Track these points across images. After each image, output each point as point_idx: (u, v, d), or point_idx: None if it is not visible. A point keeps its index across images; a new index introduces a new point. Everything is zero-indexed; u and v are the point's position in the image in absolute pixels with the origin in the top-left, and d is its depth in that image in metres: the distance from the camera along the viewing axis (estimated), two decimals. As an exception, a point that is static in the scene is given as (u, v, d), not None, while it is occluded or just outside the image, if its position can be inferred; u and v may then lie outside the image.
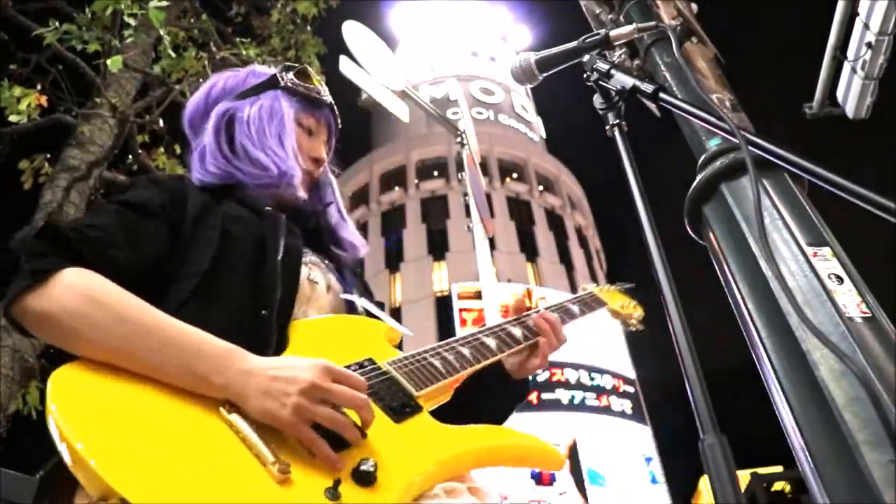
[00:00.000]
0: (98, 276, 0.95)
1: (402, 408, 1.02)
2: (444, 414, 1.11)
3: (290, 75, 1.39)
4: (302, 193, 1.32)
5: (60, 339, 0.91)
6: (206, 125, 1.33)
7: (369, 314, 1.27)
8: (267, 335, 1.05)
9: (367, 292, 1.37)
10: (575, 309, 1.52)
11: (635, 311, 1.77)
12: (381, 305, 1.33)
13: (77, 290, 0.92)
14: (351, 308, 1.26)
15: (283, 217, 1.23)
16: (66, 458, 0.76)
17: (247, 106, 1.33)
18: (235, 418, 0.87)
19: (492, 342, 1.25)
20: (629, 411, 24.89)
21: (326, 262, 1.33)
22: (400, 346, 1.23)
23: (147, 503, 0.72)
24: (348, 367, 1.01)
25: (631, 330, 1.79)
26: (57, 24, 4.46)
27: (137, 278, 1.03)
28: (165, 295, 1.06)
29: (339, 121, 1.47)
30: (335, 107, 1.45)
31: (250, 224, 1.18)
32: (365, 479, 0.86)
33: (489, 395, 1.31)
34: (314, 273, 1.25)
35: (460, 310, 24.07)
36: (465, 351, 1.19)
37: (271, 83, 1.37)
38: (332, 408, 0.90)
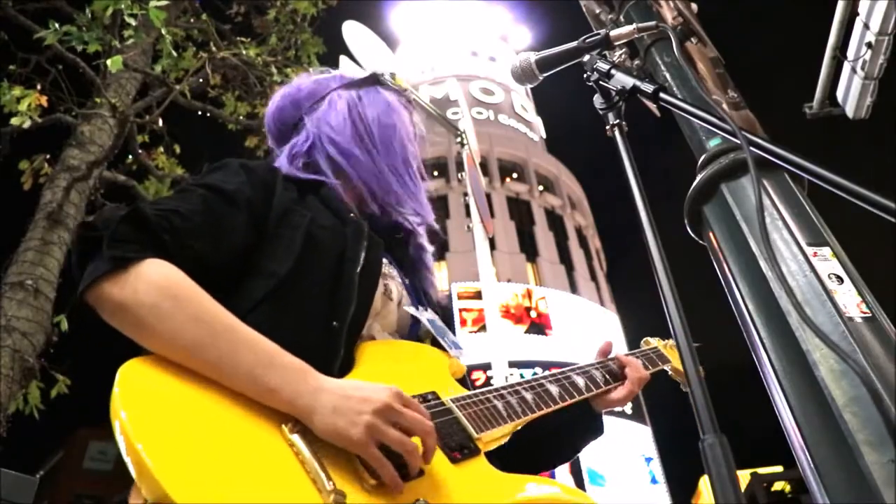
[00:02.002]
0: (178, 270, 0.93)
1: (461, 449, 1.00)
2: (513, 440, 1.10)
3: (386, 76, 1.46)
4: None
5: (133, 331, 0.89)
6: (301, 122, 1.35)
7: (434, 340, 1.24)
8: (335, 348, 1.03)
9: (437, 307, 1.34)
10: (638, 363, 1.49)
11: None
12: (450, 326, 1.30)
13: (156, 283, 0.90)
14: (416, 323, 1.24)
15: (367, 225, 1.21)
16: (123, 453, 0.74)
17: (364, 97, 1.37)
18: (297, 439, 0.85)
19: (554, 389, 1.24)
20: (629, 411, 24.87)
21: (403, 273, 1.31)
22: (463, 380, 1.21)
23: None
24: (413, 397, 0.98)
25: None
26: (57, 25, 4.46)
27: (213, 271, 1.01)
28: (239, 290, 1.04)
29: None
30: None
31: (334, 231, 1.15)
32: None
33: (565, 425, 1.31)
34: (391, 286, 1.22)
35: (460, 310, 24.04)
36: (528, 396, 1.18)
37: (372, 80, 1.43)
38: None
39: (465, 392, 1.12)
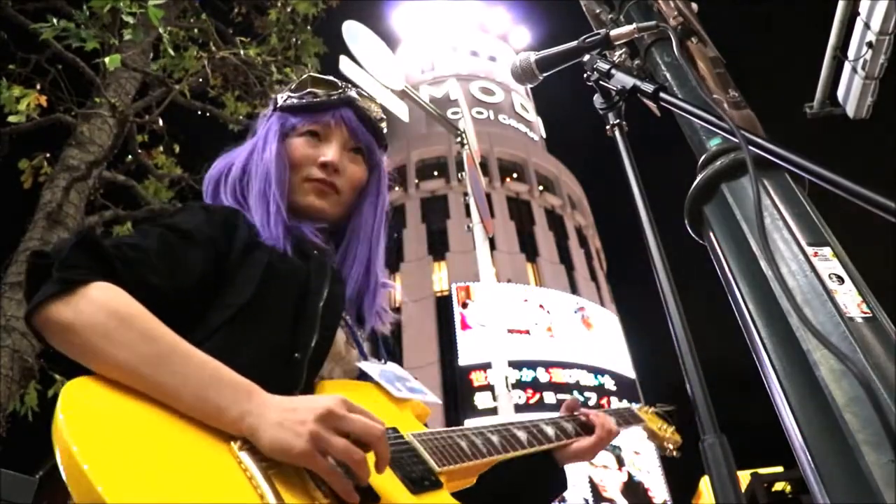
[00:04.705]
0: (126, 294, 0.92)
1: (421, 480, 0.97)
2: (478, 486, 1.10)
3: (286, 92, 1.34)
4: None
5: (78, 353, 0.88)
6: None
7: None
8: (296, 378, 1.02)
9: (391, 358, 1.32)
10: (609, 418, 1.49)
11: (673, 437, 1.74)
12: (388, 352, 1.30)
13: (102, 303, 0.88)
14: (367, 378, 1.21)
15: (331, 263, 1.20)
16: (63, 472, 0.72)
17: (245, 152, 1.31)
18: (245, 456, 0.83)
19: (522, 435, 1.24)
20: (629, 411, 24.88)
21: (359, 325, 1.29)
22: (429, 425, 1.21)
23: None
24: None
25: (665, 455, 1.73)
26: (55, 21, 4.45)
27: (170, 305, 1.00)
28: (197, 324, 1.03)
29: (375, 114, 1.34)
30: (355, 101, 1.32)
31: (296, 264, 1.15)
32: None
33: (532, 476, 1.30)
34: (351, 337, 1.21)
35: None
36: (494, 438, 1.17)
37: (273, 108, 1.35)
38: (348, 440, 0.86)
39: (427, 430, 1.11)
